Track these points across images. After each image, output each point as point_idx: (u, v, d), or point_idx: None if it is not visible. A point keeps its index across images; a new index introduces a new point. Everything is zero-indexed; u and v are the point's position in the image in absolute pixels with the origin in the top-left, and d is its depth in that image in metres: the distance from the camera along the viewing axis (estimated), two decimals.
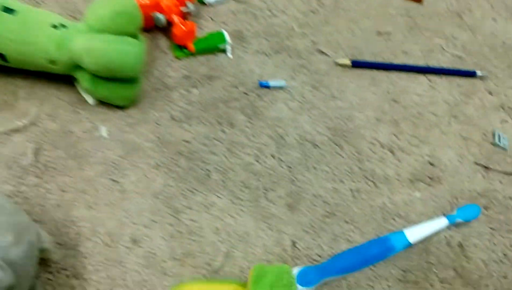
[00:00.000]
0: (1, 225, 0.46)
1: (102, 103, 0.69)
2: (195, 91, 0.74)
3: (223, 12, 0.84)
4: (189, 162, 0.68)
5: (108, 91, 0.65)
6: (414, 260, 0.65)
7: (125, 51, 0.60)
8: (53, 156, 0.64)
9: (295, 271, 0.59)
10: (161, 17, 0.72)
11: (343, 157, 0.73)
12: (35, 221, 0.58)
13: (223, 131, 0.71)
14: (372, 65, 0.82)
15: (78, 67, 0.63)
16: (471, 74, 0.85)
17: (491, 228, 0.70)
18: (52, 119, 0.67)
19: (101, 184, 0.63)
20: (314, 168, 0.71)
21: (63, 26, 0.63)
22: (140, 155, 0.67)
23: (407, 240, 0.65)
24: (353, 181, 0.71)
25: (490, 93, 0.85)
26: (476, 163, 0.76)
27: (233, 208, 0.65)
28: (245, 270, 0.61)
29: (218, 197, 0.66)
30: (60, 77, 0.70)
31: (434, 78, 0.85)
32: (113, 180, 0.64)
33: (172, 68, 0.76)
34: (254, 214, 0.65)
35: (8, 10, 0.62)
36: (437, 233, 0.68)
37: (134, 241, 0.60)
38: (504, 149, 0.78)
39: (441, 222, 0.67)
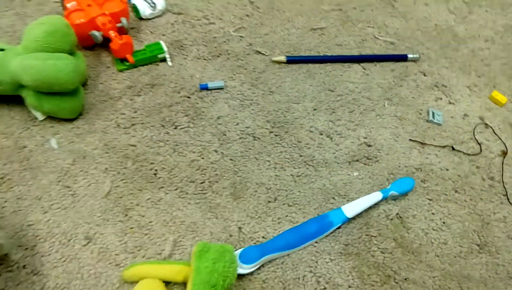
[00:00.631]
0: None
1: (51, 117, 0.81)
2: (138, 99, 0.87)
3: (161, 25, 0.97)
4: (135, 164, 0.79)
5: (52, 105, 0.77)
6: (355, 234, 0.77)
7: (59, 65, 0.72)
8: (9, 170, 0.76)
9: (238, 251, 0.70)
10: (97, 34, 0.85)
11: (283, 146, 0.85)
12: None
13: (167, 133, 0.83)
14: (306, 59, 0.96)
15: (22, 86, 0.76)
16: (402, 58, 0.99)
17: (429, 199, 0.83)
18: (6, 137, 0.79)
19: (54, 191, 0.75)
20: (256, 158, 0.83)
21: (1, 49, 0.76)
22: (89, 162, 0.78)
23: (345, 215, 0.76)
24: (294, 168, 0.83)
25: (424, 74, 0.99)
26: (411, 140, 0.89)
27: (180, 201, 0.77)
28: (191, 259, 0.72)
29: (165, 193, 0.77)
30: (11, 98, 0.82)
31: (368, 65, 0.98)
32: (66, 186, 0.75)
33: (116, 80, 0.88)
34: (201, 206, 0.77)
35: None
36: (376, 208, 0.80)
37: (88, 238, 0.71)
38: (439, 124, 0.91)
39: (376, 196, 0.79)
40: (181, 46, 0.95)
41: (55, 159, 0.78)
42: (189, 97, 0.88)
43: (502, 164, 0.87)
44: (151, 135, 0.83)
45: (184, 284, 0.69)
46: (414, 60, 1.00)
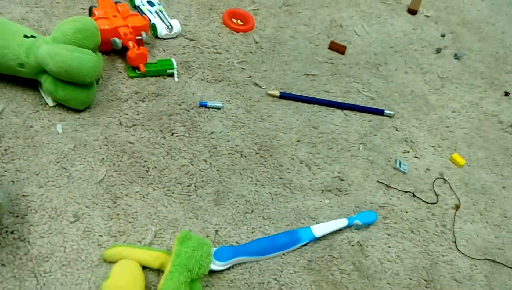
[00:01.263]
0: None
1: (60, 105, 0.88)
2: (142, 104, 0.95)
3: (174, 46, 1.08)
4: (131, 159, 0.86)
5: (66, 93, 0.84)
6: (319, 253, 0.84)
7: (83, 59, 0.81)
8: (13, 144, 0.81)
9: (213, 249, 0.76)
10: (118, 41, 0.94)
11: (266, 167, 0.93)
12: None
13: (164, 138, 0.91)
14: (297, 97, 1.07)
15: (42, 71, 0.83)
16: (380, 112, 1.11)
17: (387, 234, 0.91)
18: (16, 115, 0.85)
19: (52, 170, 0.80)
20: (240, 173, 0.91)
21: (33, 36, 0.84)
22: (88, 150, 0.85)
23: (313, 234, 0.84)
24: (273, 187, 0.91)
25: (396, 129, 1.11)
26: (379, 182, 0.98)
27: (166, 199, 0.83)
28: (171, 248, 0.77)
29: (154, 189, 0.83)
30: (27, 82, 0.89)
31: (349, 113, 1.10)
32: (63, 167, 0.81)
33: (125, 84, 0.97)
34: (184, 206, 0.83)
35: None
36: (341, 233, 0.88)
37: (76, 217, 0.76)
38: (404, 173, 1.02)
39: (343, 222, 0.87)
40: (189, 67, 1.04)
41: (57, 142, 0.84)
42: (188, 111, 0.97)
43: (454, 215, 0.97)
44: (149, 137, 0.90)
45: (158, 271, 0.74)
46: (389, 116, 1.12)
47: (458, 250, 0.92)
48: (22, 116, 0.86)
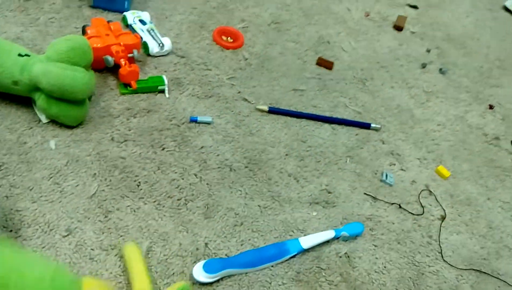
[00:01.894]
0: None
1: (53, 122, 0.90)
2: (134, 120, 0.97)
3: (165, 63, 1.11)
4: (122, 174, 0.88)
5: (59, 110, 0.86)
6: (307, 264, 0.86)
7: (76, 76, 0.84)
8: (8, 160, 0.83)
9: (203, 262, 0.78)
10: (110, 59, 0.97)
11: (255, 180, 0.96)
12: None
13: (155, 153, 0.93)
14: (286, 112, 1.10)
15: (36, 89, 0.86)
16: (366, 126, 1.14)
17: (374, 245, 0.93)
18: (10, 131, 0.87)
19: (45, 185, 0.82)
20: (230, 187, 0.93)
21: (27, 55, 0.87)
22: (80, 165, 0.87)
23: (301, 245, 0.86)
24: (262, 200, 0.93)
25: (383, 142, 1.14)
26: (366, 194, 1.01)
27: (157, 213, 0.85)
28: (162, 262, 0.79)
29: (144, 203, 0.85)
30: (21, 99, 0.91)
31: (337, 127, 1.13)
32: (56, 183, 0.83)
33: (117, 101, 0.99)
34: (174, 219, 0.85)
35: None
36: (328, 245, 0.90)
37: (68, 231, 0.77)
38: (390, 185, 1.04)
39: (330, 234, 0.89)
40: (179, 83, 1.07)
41: (50, 158, 0.86)
42: (179, 126, 0.99)
43: (440, 226, 1.00)
44: (140, 152, 0.93)
45: None
46: (376, 129, 1.15)
47: (444, 260, 0.95)
48: (16, 133, 0.88)
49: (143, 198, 0.86)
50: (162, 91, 1.03)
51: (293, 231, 0.90)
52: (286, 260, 0.85)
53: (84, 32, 1.03)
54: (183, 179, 0.91)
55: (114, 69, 1.02)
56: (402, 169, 1.09)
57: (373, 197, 1.01)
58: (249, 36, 1.27)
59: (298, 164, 1.02)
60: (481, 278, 0.94)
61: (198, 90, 1.08)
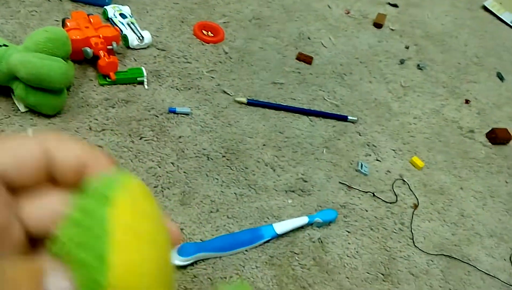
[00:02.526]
0: None
1: (32, 111, 0.92)
2: (112, 110, 0.99)
3: (145, 55, 1.13)
4: None
5: (37, 99, 0.88)
6: (281, 249, 0.88)
7: (53, 66, 0.85)
8: None
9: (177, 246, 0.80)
10: (89, 50, 0.99)
11: (232, 169, 0.98)
12: None
13: (132, 142, 0.95)
14: (264, 104, 1.12)
15: (14, 78, 0.87)
16: (343, 118, 1.17)
17: (347, 231, 0.96)
18: None
19: None
20: (207, 175, 0.95)
21: (5, 45, 0.88)
22: None
23: (274, 231, 0.88)
24: (238, 188, 0.95)
25: (359, 134, 1.17)
26: (341, 183, 1.04)
27: None
28: None
29: None
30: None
31: (314, 119, 1.16)
32: None
33: (95, 92, 1.01)
34: None
35: None
36: (302, 231, 0.92)
37: None
38: (365, 174, 1.07)
39: (303, 220, 0.92)
40: (159, 75, 1.10)
41: None
42: (157, 116, 1.02)
43: (413, 214, 1.03)
44: (117, 141, 0.95)
45: None
46: (352, 122, 1.18)
47: (415, 246, 0.98)
48: None
49: None
50: (141, 83, 1.05)
51: (268, 218, 0.93)
52: (260, 245, 0.88)
53: (64, 24, 1.05)
54: (160, 167, 0.94)
55: (93, 61, 1.04)
56: (377, 160, 1.12)
57: (348, 186, 1.04)
58: (230, 31, 1.30)
59: (275, 154, 1.05)
60: (451, 263, 0.97)
61: (177, 82, 1.11)
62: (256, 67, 1.23)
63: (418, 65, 1.46)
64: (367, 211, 1.00)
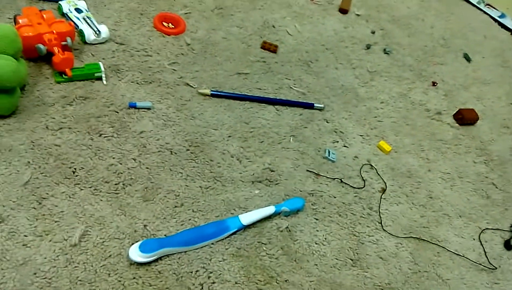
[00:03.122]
0: None
1: None
2: (70, 108, 0.97)
3: (103, 50, 1.11)
4: (57, 161, 0.88)
5: None
6: (248, 240, 0.88)
7: (2, 64, 0.83)
8: None
9: (139, 242, 0.79)
10: (42, 47, 0.97)
11: (196, 162, 0.97)
12: None
13: (91, 139, 0.93)
14: (228, 95, 1.11)
15: None
16: (310, 106, 1.17)
17: (316, 218, 0.96)
18: None
19: None
20: (170, 170, 0.94)
21: None
22: (13, 155, 0.86)
23: (240, 222, 0.88)
24: (203, 181, 0.95)
25: (326, 121, 1.17)
26: (308, 170, 1.04)
27: (93, 198, 0.85)
28: (98, 245, 0.79)
29: (80, 189, 0.86)
30: None
31: (281, 108, 1.15)
32: None
33: (52, 90, 0.99)
34: (112, 203, 0.86)
35: None
36: (270, 221, 0.92)
37: (1, 219, 0.77)
38: (333, 161, 1.08)
39: (270, 209, 0.92)
40: (118, 70, 1.08)
41: None
42: (117, 112, 1.00)
43: (381, 198, 1.04)
44: (76, 139, 0.93)
45: None
46: (319, 109, 1.18)
47: (384, 230, 0.99)
48: None
49: (79, 184, 0.86)
50: (100, 78, 1.03)
51: (234, 210, 0.92)
52: (227, 237, 0.88)
53: (15, 21, 1.02)
54: (121, 164, 0.92)
55: (48, 58, 1.02)
56: (345, 146, 1.13)
57: (316, 173, 1.04)
58: (192, 22, 1.29)
59: (241, 145, 1.04)
60: (420, 245, 0.99)
61: (137, 76, 1.09)
62: (219, 58, 1.22)
63: (385, 50, 1.46)
64: (335, 197, 1.01)
